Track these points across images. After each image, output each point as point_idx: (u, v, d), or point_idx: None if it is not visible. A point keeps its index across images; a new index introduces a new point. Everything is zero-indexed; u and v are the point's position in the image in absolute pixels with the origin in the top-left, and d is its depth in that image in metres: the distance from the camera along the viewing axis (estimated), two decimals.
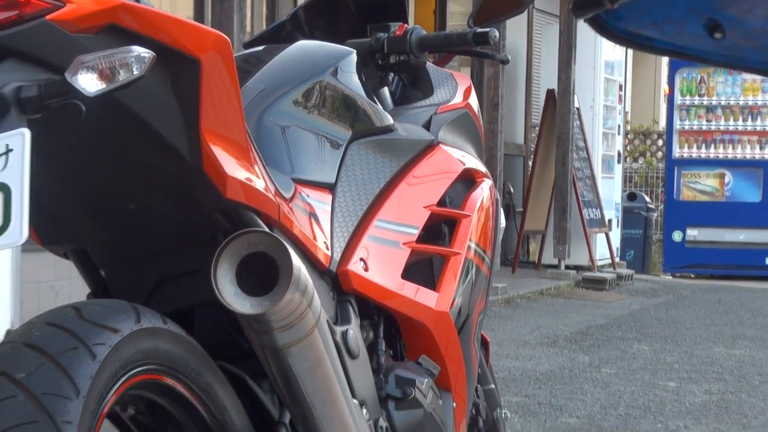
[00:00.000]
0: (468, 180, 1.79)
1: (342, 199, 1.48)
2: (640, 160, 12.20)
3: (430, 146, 1.70)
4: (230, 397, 1.18)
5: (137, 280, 1.27)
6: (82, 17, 0.98)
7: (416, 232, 1.57)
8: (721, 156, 8.15)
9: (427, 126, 1.75)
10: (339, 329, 1.33)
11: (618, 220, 8.22)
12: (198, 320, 1.28)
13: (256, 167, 1.18)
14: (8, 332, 1.13)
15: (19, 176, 0.95)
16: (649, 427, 3.59)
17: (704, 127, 8.15)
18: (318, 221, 1.37)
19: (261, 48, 1.63)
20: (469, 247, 1.70)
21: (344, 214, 1.47)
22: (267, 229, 1.18)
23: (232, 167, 1.10)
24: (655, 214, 9.31)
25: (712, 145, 8.21)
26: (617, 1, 0.73)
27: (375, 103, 1.64)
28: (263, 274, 1.09)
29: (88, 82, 0.94)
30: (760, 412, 3.84)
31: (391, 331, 1.59)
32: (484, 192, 1.80)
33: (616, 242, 8.08)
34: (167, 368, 1.09)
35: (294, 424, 1.27)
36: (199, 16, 5.45)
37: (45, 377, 0.92)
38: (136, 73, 0.96)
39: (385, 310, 1.52)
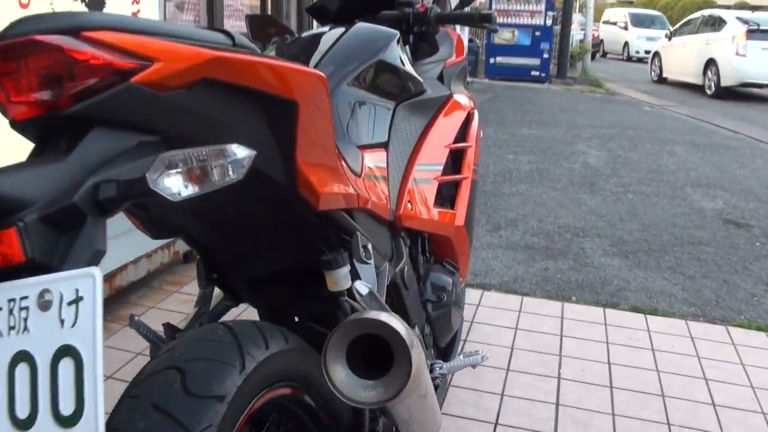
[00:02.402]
0: (467, 116, 2.00)
1: (393, 155, 1.54)
2: None
3: (447, 99, 1.89)
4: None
5: (233, 255, 1.27)
6: (170, 75, 0.77)
7: (441, 168, 1.74)
8: (512, 22, 13.23)
9: (440, 78, 1.95)
10: (397, 269, 1.46)
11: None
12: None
13: (342, 176, 1.15)
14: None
15: (90, 337, 0.64)
16: (507, 189, 5.01)
17: (504, 8, 13.21)
18: (379, 182, 1.42)
19: (325, 29, 1.57)
20: (473, 169, 1.95)
21: (395, 166, 1.54)
22: (354, 225, 1.19)
23: (323, 185, 1.05)
24: (481, 49, 14.25)
25: (509, 17, 13.21)
26: None
27: (412, 72, 1.67)
28: (375, 352, 1.01)
29: (174, 185, 0.75)
30: (559, 177, 5.47)
31: (425, 243, 1.81)
32: (475, 123, 2.04)
33: None
34: (287, 381, 1.07)
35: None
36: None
37: None
38: (232, 176, 0.81)
39: (423, 232, 1.71)
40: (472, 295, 3.04)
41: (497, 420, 2.16)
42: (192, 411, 0.85)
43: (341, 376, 0.96)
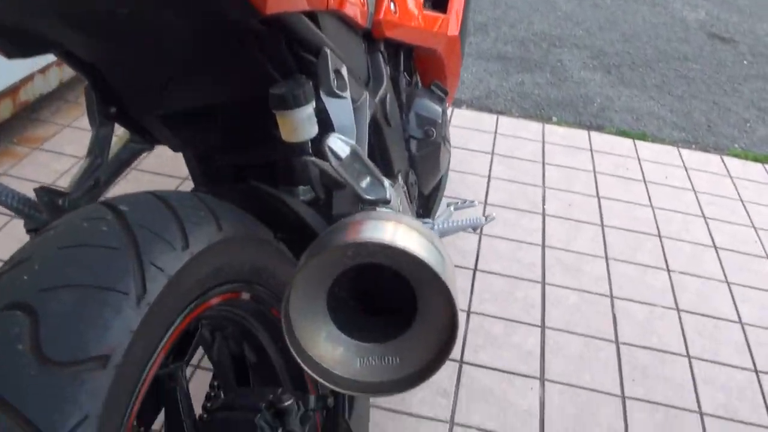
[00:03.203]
0: None
1: None
2: None
3: None
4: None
5: (139, 79, 0.83)
6: None
7: None
8: None
9: None
10: (377, 99, 1.10)
11: None
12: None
13: None
14: None
15: None
16: None
17: None
18: None
19: None
20: None
21: None
22: (321, 37, 0.79)
23: None
24: None
25: None
26: None
27: None
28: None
29: None
30: None
31: (407, 60, 1.43)
32: None
33: None
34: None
35: None
36: None
37: None
38: None
39: (406, 44, 1.32)
40: None
41: (476, 265, 1.85)
42: (49, 394, 0.46)
43: (319, 338, 0.55)
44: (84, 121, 2.30)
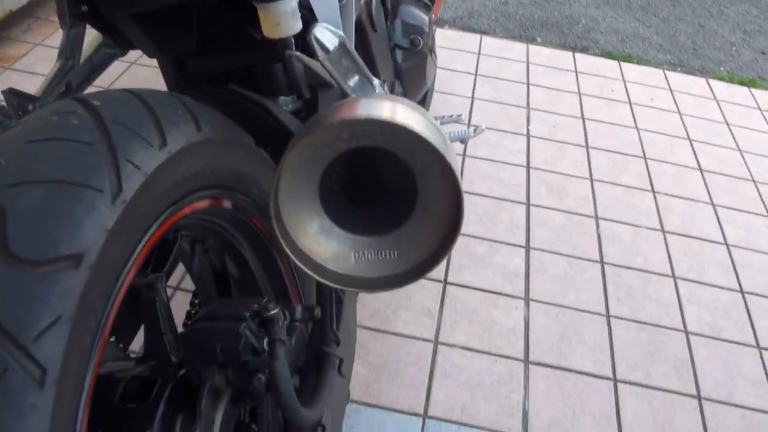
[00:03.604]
0: None
1: None
2: None
3: None
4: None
5: None
6: None
7: None
8: None
9: None
10: (363, 1, 1.05)
11: None
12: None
13: None
14: None
15: None
16: None
17: None
18: None
19: None
20: None
21: None
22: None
23: None
24: None
25: None
26: None
27: None
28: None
29: None
30: None
31: None
32: None
33: None
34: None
35: None
36: None
37: None
38: None
39: None
40: None
41: None
42: (17, 294, 0.42)
43: (311, 231, 0.52)
44: (56, 40, 2.17)
